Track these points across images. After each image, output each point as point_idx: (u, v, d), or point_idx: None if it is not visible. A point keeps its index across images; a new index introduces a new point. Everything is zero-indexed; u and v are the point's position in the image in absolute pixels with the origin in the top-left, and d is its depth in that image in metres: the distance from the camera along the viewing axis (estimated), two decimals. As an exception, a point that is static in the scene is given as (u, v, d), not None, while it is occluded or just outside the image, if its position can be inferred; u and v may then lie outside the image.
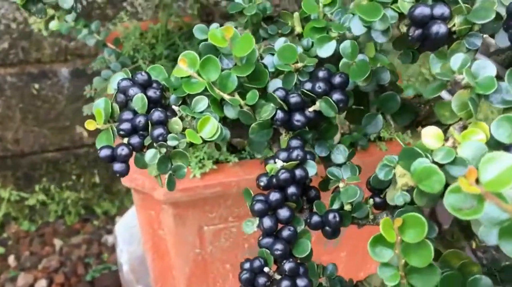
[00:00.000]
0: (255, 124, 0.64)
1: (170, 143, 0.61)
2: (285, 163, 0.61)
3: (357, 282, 0.76)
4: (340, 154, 0.66)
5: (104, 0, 1.77)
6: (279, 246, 0.61)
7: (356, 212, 0.64)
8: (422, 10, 0.52)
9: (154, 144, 0.62)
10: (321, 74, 0.63)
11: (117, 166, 0.63)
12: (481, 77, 0.51)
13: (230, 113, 0.65)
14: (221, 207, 1.02)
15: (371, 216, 0.64)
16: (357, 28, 0.55)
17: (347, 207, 0.64)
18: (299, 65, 0.64)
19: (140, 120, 0.63)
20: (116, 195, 2.15)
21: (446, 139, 0.51)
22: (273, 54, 0.68)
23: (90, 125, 0.67)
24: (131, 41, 1.15)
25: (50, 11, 1.80)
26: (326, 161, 0.67)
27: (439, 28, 0.51)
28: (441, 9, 0.52)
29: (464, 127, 0.52)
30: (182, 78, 0.65)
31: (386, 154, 1.02)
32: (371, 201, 0.63)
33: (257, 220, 0.64)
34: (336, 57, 0.66)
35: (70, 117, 1.93)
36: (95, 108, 0.66)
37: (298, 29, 0.74)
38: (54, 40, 1.79)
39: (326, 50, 0.65)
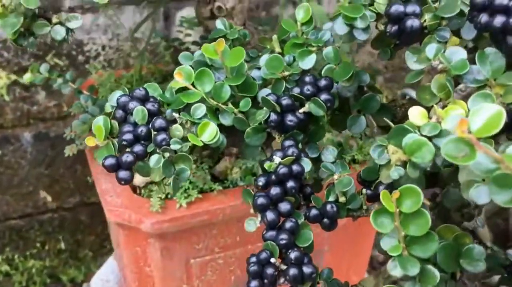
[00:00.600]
0: (249, 129, 0.69)
1: (173, 147, 0.65)
2: (282, 160, 0.65)
3: (352, 286, 0.79)
4: (330, 154, 0.71)
5: (66, 63, 1.81)
6: (283, 236, 0.64)
7: (350, 203, 0.68)
8: (397, 8, 0.59)
9: (157, 150, 0.66)
10: (307, 79, 0.69)
11: (122, 173, 0.66)
12: (454, 61, 0.58)
13: (226, 120, 0.69)
14: (207, 237, 1.04)
15: (364, 207, 0.68)
16: (341, 28, 0.62)
17: (342, 199, 0.68)
18: (286, 73, 0.70)
19: (142, 129, 0.67)
20: (82, 261, 2.11)
21: (430, 118, 0.58)
22: (259, 69, 0.74)
23: (90, 141, 0.70)
24: (107, 86, 1.20)
25: (12, 76, 1.83)
26: (317, 163, 0.72)
27: (413, 22, 0.59)
28: (413, 7, 0.60)
29: (444, 106, 0.59)
30: (178, 90, 0.69)
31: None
32: (364, 191, 0.67)
33: (257, 219, 0.68)
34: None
35: (33, 182, 1.91)
36: (95, 125, 0.69)
37: (277, 50, 0.80)
38: (16, 105, 1.80)
39: (307, 63, 0.72)
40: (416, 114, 0.57)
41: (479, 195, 0.53)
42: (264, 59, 0.73)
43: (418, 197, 0.55)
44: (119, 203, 1.00)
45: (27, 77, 1.20)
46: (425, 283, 0.57)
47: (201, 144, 0.65)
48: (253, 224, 0.68)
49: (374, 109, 0.71)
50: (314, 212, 0.68)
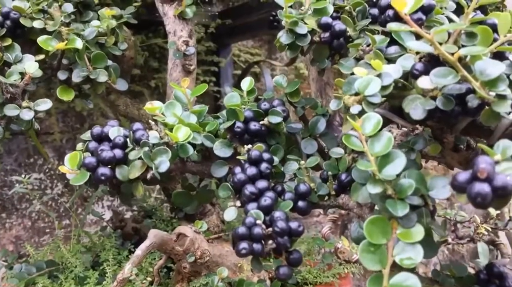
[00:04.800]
0: (218, 142, 0.77)
1: (152, 141, 0.70)
2: (253, 146, 0.72)
3: None
4: (292, 165, 0.77)
5: None
6: (265, 198, 0.66)
7: (320, 190, 0.73)
8: (326, 19, 0.78)
9: (136, 148, 0.71)
10: (262, 101, 0.80)
11: (102, 169, 0.68)
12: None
13: (197, 139, 0.76)
14: None
15: (332, 192, 0.73)
16: (285, 39, 0.78)
17: (312, 185, 0.73)
18: (243, 106, 0.82)
19: (119, 138, 0.72)
20: None
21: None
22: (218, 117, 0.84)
23: (63, 169, 0.73)
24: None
25: None
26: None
27: (340, 26, 0.77)
28: (336, 21, 0.79)
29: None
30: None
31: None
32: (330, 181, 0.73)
33: (236, 202, 0.69)
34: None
35: None
36: (68, 156, 0.74)
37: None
38: None
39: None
40: (357, 70, 0.69)
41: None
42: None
43: (377, 121, 0.64)
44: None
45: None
46: (401, 193, 0.61)
47: (179, 140, 0.71)
48: (232, 211, 0.69)
49: (320, 129, 0.82)
50: (289, 195, 0.71)
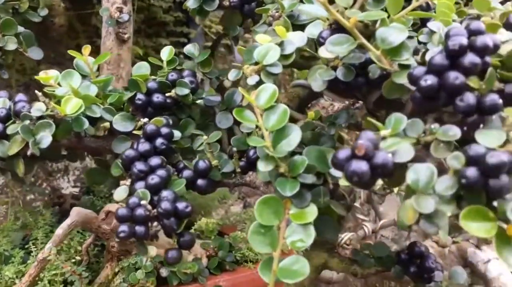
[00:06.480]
0: (118, 115, 0.71)
1: (35, 114, 0.64)
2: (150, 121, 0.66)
3: None
4: (200, 141, 0.72)
5: None
6: (154, 176, 0.61)
7: (224, 167, 0.67)
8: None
9: (16, 122, 0.65)
10: (171, 72, 0.74)
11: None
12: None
13: (96, 111, 0.70)
14: None
15: (238, 170, 0.68)
16: (192, 3, 0.72)
17: (214, 162, 0.67)
18: (152, 77, 0.76)
19: (2, 111, 0.66)
20: None
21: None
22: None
23: None
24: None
25: None
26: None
27: (250, -13, 0.71)
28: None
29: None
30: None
31: (254, 272, 1.04)
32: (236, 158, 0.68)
33: (125, 187, 0.64)
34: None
35: None
36: None
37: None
38: None
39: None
40: (261, 38, 0.63)
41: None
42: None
43: (273, 91, 0.57)
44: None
45: None
46: (293, 171, 0.55)
47: (65, 112, 0.65)
48: (122, 190, 0.64)
49: (237, 101, 0.75)
50: (187, 172, 0.66)
